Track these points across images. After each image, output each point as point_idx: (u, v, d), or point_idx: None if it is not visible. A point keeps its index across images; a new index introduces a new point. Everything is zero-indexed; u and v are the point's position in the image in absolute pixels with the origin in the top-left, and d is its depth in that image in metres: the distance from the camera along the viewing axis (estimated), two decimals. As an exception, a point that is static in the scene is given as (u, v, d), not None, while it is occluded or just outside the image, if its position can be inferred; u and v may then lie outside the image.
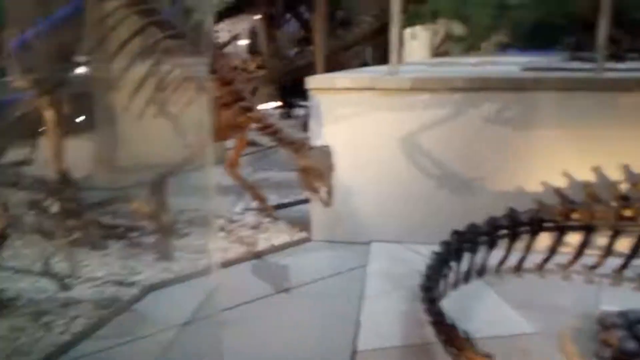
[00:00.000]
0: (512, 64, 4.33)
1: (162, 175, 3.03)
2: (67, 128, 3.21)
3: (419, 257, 3.15)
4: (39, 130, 3.59)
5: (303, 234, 3.48)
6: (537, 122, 3.05)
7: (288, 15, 8.57)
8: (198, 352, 2.24)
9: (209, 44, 2.93)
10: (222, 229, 3.49)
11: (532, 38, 5.35)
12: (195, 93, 2.98)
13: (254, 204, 3.71)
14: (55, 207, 2.58)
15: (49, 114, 3.18)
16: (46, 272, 2.55)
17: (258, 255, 3.21)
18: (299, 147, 2.72)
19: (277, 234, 3.46)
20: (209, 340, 2.31)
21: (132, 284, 2.80)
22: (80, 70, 3.87)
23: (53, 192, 2.92)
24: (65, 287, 2.59)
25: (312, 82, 3.22)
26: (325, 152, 2.59)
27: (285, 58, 8.06)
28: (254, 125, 3.00)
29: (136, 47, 3.09)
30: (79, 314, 2.47)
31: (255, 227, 3.57)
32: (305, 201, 4.21)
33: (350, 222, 3.37)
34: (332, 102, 3.20)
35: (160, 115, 3.02)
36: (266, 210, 3.48)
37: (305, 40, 8.19)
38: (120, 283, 2.81)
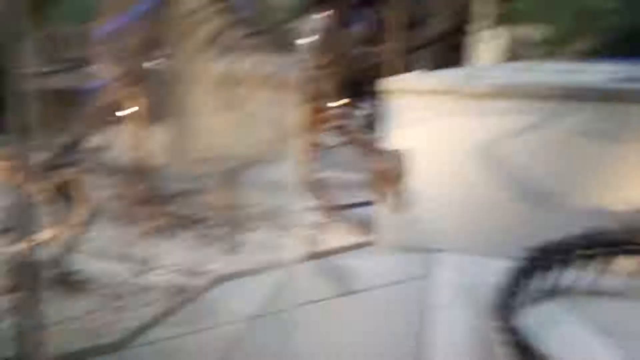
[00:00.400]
0: (600, 72, 4.07)
1: (235, 169, 3.07)
2: (147, 118, 3.33)
3: (489, 270, 3.02)
4: (119, 118, 3.76)
5: (366, 238, 3.43)
6: (629, 137, 2.85)
7: (357, 14, 8.50)
8: (267, 347, 2.26)
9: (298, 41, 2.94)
10: (285, 226, 3.50)
11: (622, 46, 5.01)
12: (273, 90, 3.01)
13: (317, 202, 3.69)
14: (132, 194, 2.68)
15: (131, 104, 3.32)
16: (123, 257, 2.65)
17: (320, 255, 3.20)
18: (372, 149, 2.68)
19: (340, 236, 3.44)
20: (277, 336, 2.33)
21: (201, 274, 2.87)
22: (160, 63, 4.01)
23: (131, 179, 3.04)
24: (140, 274, 2.68)
25: (387, 83, 3.17)
26: (397, 156, 2.53)
27: (349, 58, 8.00)
28: (328, 124, 2.98)
29: (217, 44, 3.16)
30: (150, 300, 2.56)
31: (318, 226, 3.56)
32: (368, 204, 4.16)
33: (417, 229, 3.29)
34: (407, 105, 3.12)
35: (236, 111, 3.08)
36: (330, 210, 3.45)
37: (372, 41, 8.11)
38: (189, 272, 2.88)
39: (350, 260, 3.14)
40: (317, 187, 3.51)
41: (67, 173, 2.36)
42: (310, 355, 2.20)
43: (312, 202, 3.87)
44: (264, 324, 2.46)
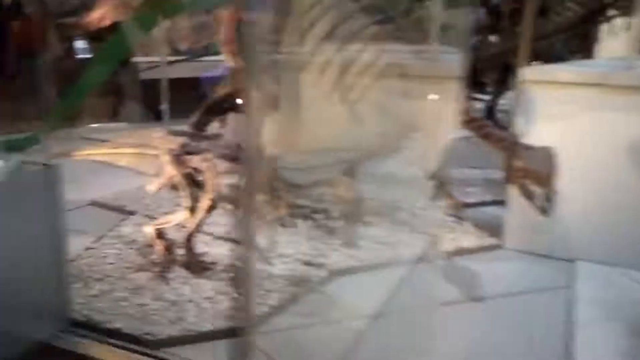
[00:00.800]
0: None
1: (355, 161, 2.99)
2: (270, 107, 3.36)
3: (638, 285, 2.68)
4: (237, 107, 3.85)
5: (493, 240, 3.19)
6: None
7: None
8: (390, 347, 2.16)
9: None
10: (407, 222, 3.37)
11: None
12: (398, 81, 2.88)
13: (443, 199, 3.51)
14: (252, 183, 2.68)
15: (255, 95, 3.36)
16: (245, 244, 2.67)
17: (445, 255, 3.02)
18: (511, 146, 2.45)
19: (465, 236, 3.23)
20: (401, 337, 2.21)
21: (319, 265, 2.83)
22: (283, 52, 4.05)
23: (251, 168, 3.05)
24: (266, 261, 2.70)
25: (528, 73, 2.89)
26: (546, 154, 2.28)
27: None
28: (461, 117, 2.79)
29: (340, 32, 3.08)
30: (272, 288, 2.57)
31: (441, 225, 3.37)
32: (497, 203, 3.88)
33: (553, 234, 2.99)
34: (549, 97, 2.83)
35: (358, 102, 2.99)
36: (455, 208, 3.26)
37: (491, 29, 7.62)
38: (308, 263, 2.85)
39: (478, 263, 2.93)
40: (443, 183, 3.33)
41: (199, 159, 2.43)
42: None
43: (438, 199, 3.70)
44: (387, 322, 2.35)
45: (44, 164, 1.97)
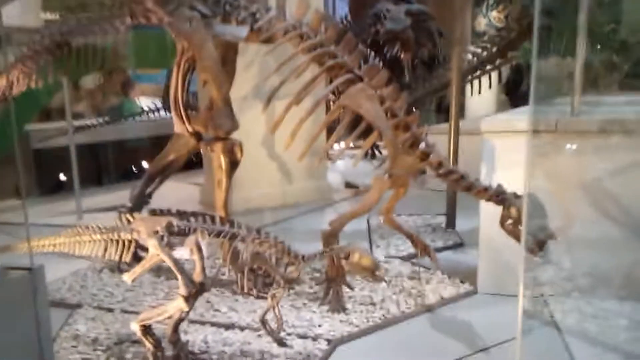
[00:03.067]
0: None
1: (337, 224, 2.92)
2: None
3: (610, 314, 2.90)
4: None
5: (467, 286, 3.27)
6: None
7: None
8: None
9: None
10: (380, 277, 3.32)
11: None
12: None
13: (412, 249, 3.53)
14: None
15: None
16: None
17: (429, 308, 3.02)
18: (500, 196, 2.55)
19: (442, 285, 3.27)
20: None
21: (315, 337, 2.66)
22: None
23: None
24: (281, 343, 2.47)
25: (488, 124, 3.09)
26: (533, 200, 2.41)
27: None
28: (429, 171, 2.87)
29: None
30: (279, 371, 2.35)
31: (413, 277, 3.39)
32: (448, 248, 4.02)
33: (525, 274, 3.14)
34: (508, 146, 3.04)
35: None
36: (431, 258, 3.30)
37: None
38: (303, 336, 2.68)
39: (463, 312, 2.97)
40: (411, 235, 3.36)
41: (192, 240, 2.20)
42: None
43: (394, 251, 3.73)
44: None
45: (28, 268, 1.64)
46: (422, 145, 2.87)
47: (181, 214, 2.28)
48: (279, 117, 2.87)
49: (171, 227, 2.20)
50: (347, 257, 2.14)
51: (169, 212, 2.28)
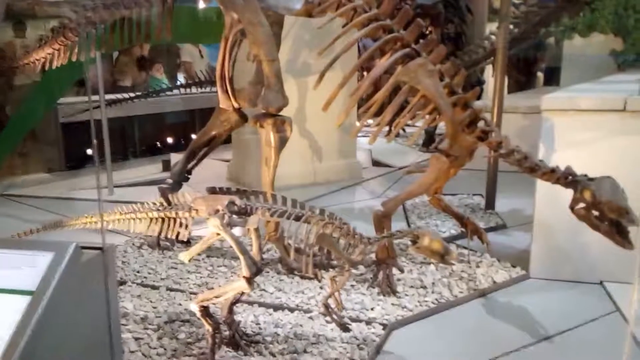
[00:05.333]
0: None
1: (391, 205, 2.82)
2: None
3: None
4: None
5: (519, 270, 3.17)
6: None
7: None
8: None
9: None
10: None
11: None
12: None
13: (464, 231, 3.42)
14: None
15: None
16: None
17: (482, 293, 2.93)
18: (570, 179, 2.41)
19: (493, 269, 3.17)
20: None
21: (369, 321, 2.60)
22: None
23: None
24: (344, 329, 2.40)
25: (547, 102, 2.94)
26: (612, 184, 2.28)
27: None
28: (490, 151, 2.74)
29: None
30: (337, 355, 2.29)
31: (462, 260, 3.29)
32: (492, 229, 3.90)
33: (578, 259, 3.04)
34: (569, 125, 2.90)
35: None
36: (482, 241, 3.19)
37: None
38: (356, 319, 2.61)
39: (518, 298, 2.88)
40: (461, 217, 3.25)
41: (254, 219, 2.12)
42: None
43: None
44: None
45: (100, 248, 1.57)
46: (481, 123, 2.74)
47: (241, 193, 2.19)
48: (332, 94, 2.75)
49: (232, 206, 2.12)
50: (415, 241, 2.05)
51: (228, 191, 2.20)
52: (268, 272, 3.18)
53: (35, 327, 1.30)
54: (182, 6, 4.83)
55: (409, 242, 2.10)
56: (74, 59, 3.16)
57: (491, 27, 7.74)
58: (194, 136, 4.68)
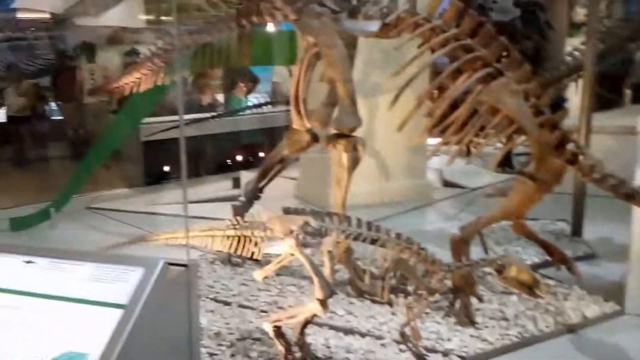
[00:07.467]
0: None
1: (470, 229, 2.69)
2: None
3: None
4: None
5: (613, 305, 2.91)
6: None
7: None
8: None
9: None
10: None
11: None
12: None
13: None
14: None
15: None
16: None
17: (571, 329, 2.70)
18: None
19: (583, 303, 2.93)
20: None
21: (445, 353, 2.46)
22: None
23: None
24: (421, 359, 2.30)
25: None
26: None
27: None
28: (580, 175, 2.55)
29: None
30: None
31: (548, 292, 3.06)
32: (581, 258, 3.61)
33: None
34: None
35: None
36: (570, 271, 2.96)
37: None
38: (432, 350, 2.48)
39: (615, 336, 2.62)
40: (548, 246, 3.04)
41: (329, 241, 2.09)
42: None
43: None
44: None
45: (185, 265, 1.60)
46: (571, 145, 2.56)
47: (315, 213, 2.16)
48: (408, 114, 2.68)
49: (307, 227, 2.09)
50: (500, 271, 1.92)
51: (303, 211, 2.18)
52: (337, 293, 3.12)
53: (126, 340, 1.34)
54: (258, 31, 4.98)
55: (490, 269, 1.97)
56: (159, 83, 3.32)
57: (571, 42, 7.37)
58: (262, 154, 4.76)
